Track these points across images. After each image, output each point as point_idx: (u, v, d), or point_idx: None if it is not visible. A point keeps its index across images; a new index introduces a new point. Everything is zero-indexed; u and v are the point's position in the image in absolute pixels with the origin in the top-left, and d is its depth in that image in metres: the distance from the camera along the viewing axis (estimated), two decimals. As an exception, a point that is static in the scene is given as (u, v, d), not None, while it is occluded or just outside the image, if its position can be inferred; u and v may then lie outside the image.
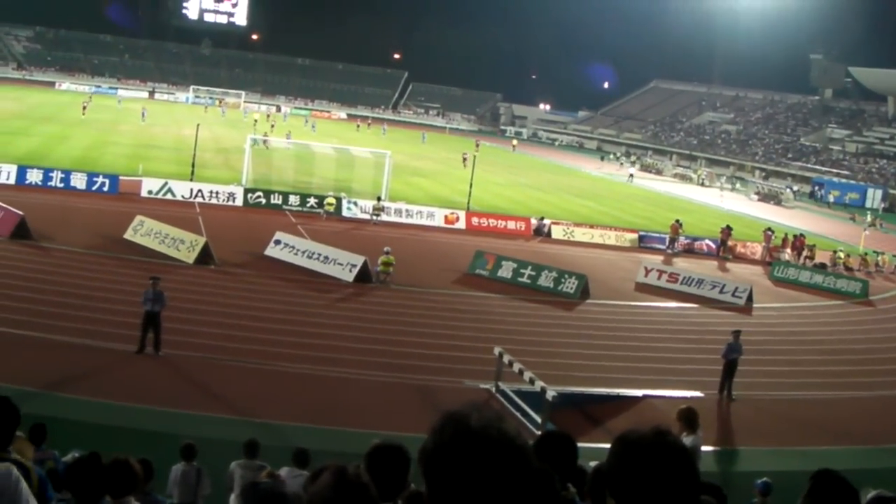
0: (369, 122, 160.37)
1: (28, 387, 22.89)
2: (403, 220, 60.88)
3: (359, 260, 42.15)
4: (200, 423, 23.09)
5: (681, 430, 16.51)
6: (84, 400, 23.58)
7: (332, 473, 4.92)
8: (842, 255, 63.47)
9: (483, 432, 3.31)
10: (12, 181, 54.43)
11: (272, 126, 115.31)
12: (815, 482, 5.20)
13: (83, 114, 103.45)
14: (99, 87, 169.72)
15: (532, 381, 25.97)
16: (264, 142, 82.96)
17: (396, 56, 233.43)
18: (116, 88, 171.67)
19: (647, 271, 50.44)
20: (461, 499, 3.31)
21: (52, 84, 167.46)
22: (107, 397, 24.25)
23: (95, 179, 57.13)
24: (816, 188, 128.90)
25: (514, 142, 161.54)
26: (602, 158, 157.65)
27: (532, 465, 3.41)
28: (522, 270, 45.91)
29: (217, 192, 58.78)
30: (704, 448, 24.49)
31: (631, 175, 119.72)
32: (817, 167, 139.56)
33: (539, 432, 21.44)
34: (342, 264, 42.32)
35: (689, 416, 17.72)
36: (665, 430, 4.00)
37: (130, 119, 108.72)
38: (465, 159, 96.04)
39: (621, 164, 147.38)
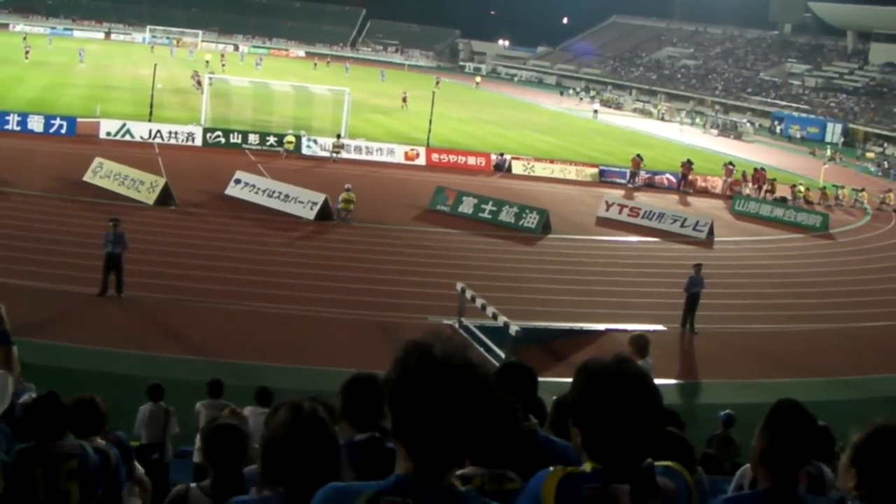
0: (328, 60, 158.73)
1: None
2: (363, 157, 60.82)
3: (319, 198, 42.06)
4: (164, 365, 23.06)
5: (631, 356, 16.67)
6: (47, 343, 23.43)
7: (288, 410, 4.95)
8: (802, 188, 63.65)
9: (447, 362, 3.31)
10: (-32, 126, 53.84)
11: (223, 66, 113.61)
12: (773, 410, 5.22)
13: (26, 58, 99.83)
14: (54, 28, 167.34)
15: (495, 317, 26.08)
16: (198, 83, 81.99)
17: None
18: (72, 30, 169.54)
19: (609, 206, 50.54)
20: (425, 428, 3.31)
21: (5, 26, 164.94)
22: (69, 340, 24.19)
23: (53, 122, 56.57)
24: (776, 122, 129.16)
25: (478, 78, 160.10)
26: (561, 93, 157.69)
27: (495, 394, 3.42)
28: (483, 206, 45.93)
29: (176, 133, 58.39)
30: (667, 381, 24.89)
31: (595, 111, 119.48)
32: (777, 101, 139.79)
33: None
34: (303, 202, 42.22)
35: (639, 343, 18.06)
36: (626, 358, 4.03)
37: (78, 60, 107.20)
38: (404, 100, 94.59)
39: (581, 98, 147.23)
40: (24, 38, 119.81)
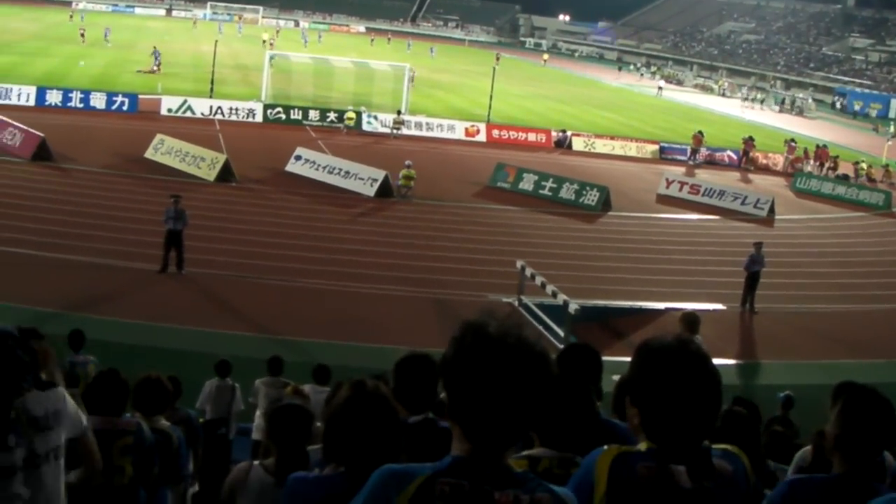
0: (389, 36, 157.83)
1: (52, 308, 23.06)
2: (423, 133, 60.80)
3: (380, 174, 42.13)
4: (224, 341, 23.25)
5: (682, 333, 16.59)
6: (108, 320, 23.71)
7: (351, 387, 4.98)
8: (864, 166, 62.81)
9: (502, 339, 3.32)
10: (32, 103, 54.23)
11: (271, 44, 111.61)
12: (848, 395, 5.09)
13: (82, 40, 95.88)
14: (116, 5, 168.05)
15: (554, 295, 26.02)
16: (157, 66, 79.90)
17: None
18: (133, 7, 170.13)
19: (669, 183, 50.23)
20: (481, 407, 3.32)
21: (68, 4, 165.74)
22: (130, 316, 24.42)
23: (115, 99, 57.00)
24: (838, 98, 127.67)
25: (545, 55, 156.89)
26: (619, 69, 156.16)
27: (552, 371, 3.42)
28: (544, 183, 45.84)
29: (236, 109, 58.67)
30: (726, 361, 24.78)
31: (660, 88, 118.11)
32: (839, 77, 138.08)
33: (562, 346, 21.55)
34: (363, 179, 42.31)
35: (690, 321, 17.91)
36: (688, 339, 4.02)
37: (145, 36, 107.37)
38: (411, 80, 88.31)
39: (641, 74, 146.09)
40: (71, 17, 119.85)
